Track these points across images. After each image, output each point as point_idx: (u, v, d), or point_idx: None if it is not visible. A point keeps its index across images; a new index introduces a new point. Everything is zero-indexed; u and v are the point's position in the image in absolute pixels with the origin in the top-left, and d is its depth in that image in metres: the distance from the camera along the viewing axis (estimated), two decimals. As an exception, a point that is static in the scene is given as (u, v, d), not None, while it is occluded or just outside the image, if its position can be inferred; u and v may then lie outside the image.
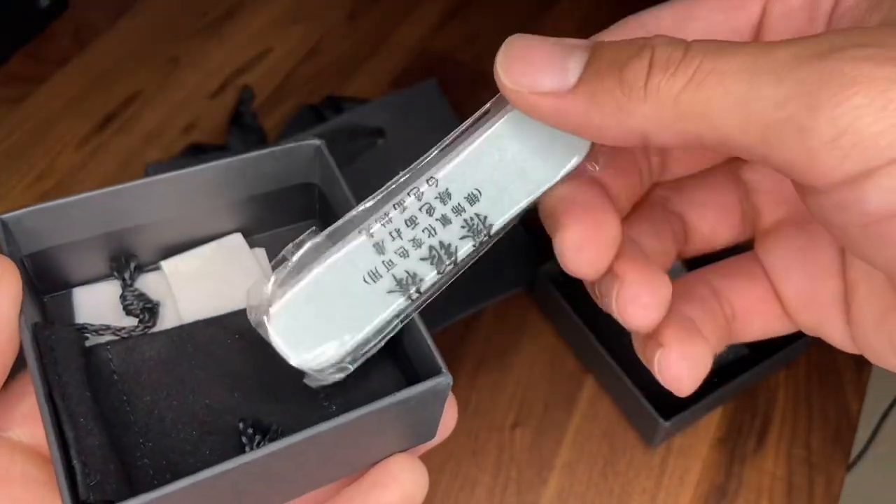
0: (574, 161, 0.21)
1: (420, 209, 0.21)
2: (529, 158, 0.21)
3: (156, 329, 0.24)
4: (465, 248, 0.21)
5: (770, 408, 0.46)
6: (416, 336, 0.22)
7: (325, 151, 0.26)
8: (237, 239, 0.26)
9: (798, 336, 0.45)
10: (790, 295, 0.22)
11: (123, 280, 0.25)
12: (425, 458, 0.43)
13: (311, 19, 0.64)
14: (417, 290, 0.21)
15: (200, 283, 0.25)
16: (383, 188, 0.22)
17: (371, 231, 0.21)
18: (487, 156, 0.22)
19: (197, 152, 0.54)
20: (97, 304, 0.25)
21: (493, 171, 0.22)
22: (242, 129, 0.55)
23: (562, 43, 0.19)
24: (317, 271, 0.21)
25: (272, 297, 0.21)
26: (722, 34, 0.21)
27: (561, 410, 0.45)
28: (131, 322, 0.24)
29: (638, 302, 0.20)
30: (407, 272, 0.21)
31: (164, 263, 0.25)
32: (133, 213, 0.24)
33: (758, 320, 0.23)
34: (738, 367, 0.45)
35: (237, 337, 0.24)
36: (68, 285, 0.25)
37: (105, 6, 0.64)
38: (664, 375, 0.21)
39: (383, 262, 0.21)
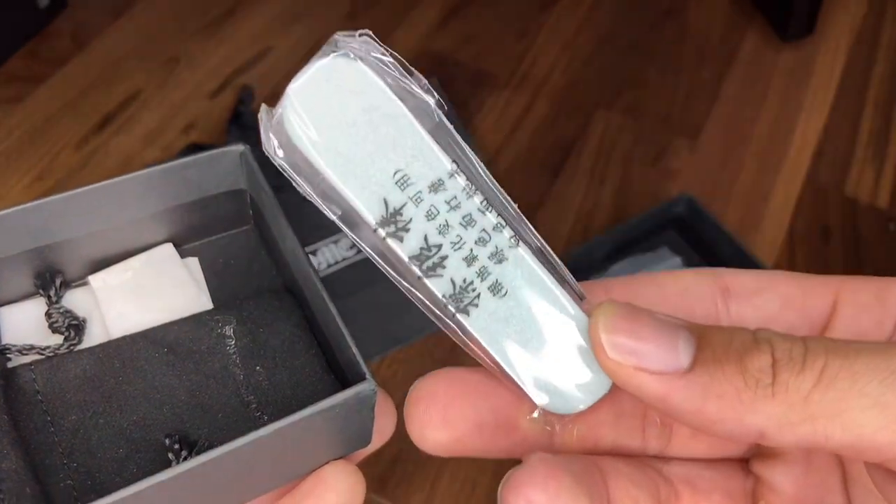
0: (572, 406, 0.19)
1: (484, 229, 0.19)
2: (552, 362, 0.19)
3: (83, 346, 0.24)
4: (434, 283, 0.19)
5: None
6: (342, 344, 0.22)
7: (249, 157, 0.25)
8: (168, 249, 0.26)
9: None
10: None
11: (48, 297, 0.24)
12: (425, 459, 0.43)
13: (310, 19, 0.64)
14: (395, 227, 0.19)
15: (130, 296, 0.25)
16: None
17: (450, 170, 0.19)
18: (547, 313, 0.19)
19: (196, 152, 0.54)
20: (23, 324, 0.24)
21: (532, 321, 0.19)
22: (242, 129, 0.55)
23: (663, 318, 0.17)
24: (391, 94, 0.18)
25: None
26: (790, 324, 0.20)
27: (561, 411, 0.45)
28: (57, 340, 0.24)
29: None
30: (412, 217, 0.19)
31: (91, 278, 0.25)
32: (56, 229, 0.24)
33: None
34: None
35: (166, 350, 0.23)
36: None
37: (104, 6, 0.64)
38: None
39: (417, 192, 0.19)
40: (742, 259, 0.47)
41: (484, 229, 0.19)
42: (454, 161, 0.19)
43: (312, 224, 0.50)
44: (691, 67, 0.62)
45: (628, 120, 0.58)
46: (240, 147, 0.25)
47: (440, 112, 0.19)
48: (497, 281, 0.19)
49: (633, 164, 0.56)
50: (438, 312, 0.19)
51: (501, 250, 0.19)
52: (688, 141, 0.57)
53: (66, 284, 0.25)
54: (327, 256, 0.49)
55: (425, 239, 0.19)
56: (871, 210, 0.54)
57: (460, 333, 0.19)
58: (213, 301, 0.25)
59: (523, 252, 0.19)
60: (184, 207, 0.26)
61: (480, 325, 0.19)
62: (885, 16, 0.66)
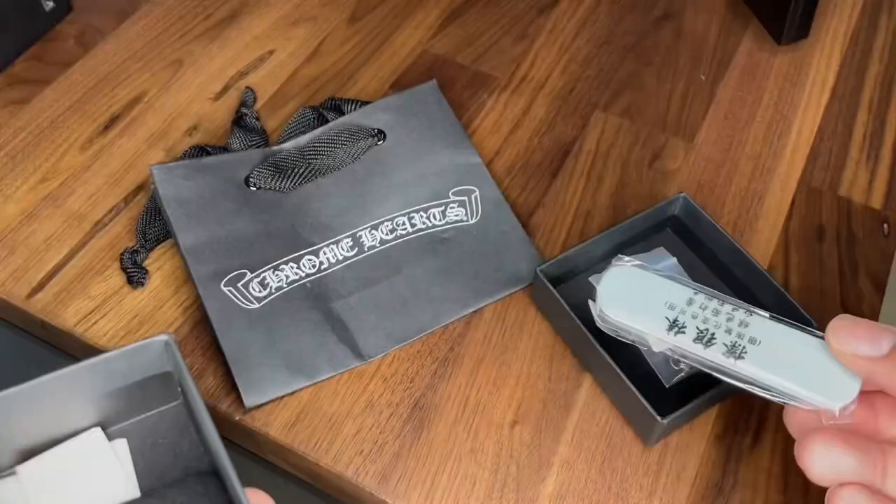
0: (834, 405, 0.31)
1: (728, 317, 0.35)
2: (813, 374, 0.32)
3: None
4: (713, 354, 0.34)
5: (766, 406, 0.46)
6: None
7: (174, 346, 0.25)
8: (96, 435, 0.26)
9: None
10: None
11: None
12: (426, 456, 0.44)
13: (312, 22, 0.65)
14: (677, 329, 0.35)
15: (58, 486, 0.25)
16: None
17: (695, 292, 0.37)
18: (794, 343, 0.34)
19: (200, 153, 0.54)
20: None
21: (787, 351, 0.33)
22: (245, 131, 0.56)
23: (877, 325, 0.30)
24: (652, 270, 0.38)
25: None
26: None
27: (559, 408, 0.46)
28: None
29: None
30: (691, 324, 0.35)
31: (19, 468, 0.25)
32: None
33: None
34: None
35: None
36: None
37: (109, 9, 0.64)
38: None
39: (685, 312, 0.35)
40: (737, 258, 0.48)
41: (728, 314, 0.35)
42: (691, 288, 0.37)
43: (312, 224, 0.51)
44: (687, 70, 0.63)
45: (626, 121, 0.59)
46: (164, 337, 0.26)
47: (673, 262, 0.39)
48: (751, 336, 0.34)
49: (630, 164, 0.57)
50: (726, 366, 0.34)
51: (743, 320, 0.35)
52: (684, 142, 0.58)
53: None
54: (328, 256, 0.50)
55: (697, 329, 0.35)
56: (866, 210, 0.55)
57: (744, 380, 0.35)
58: (141, 483, 0.26)
59: (758, 317, 0.35)
60: (113, 394, 0.26)
61: (754, 366, 0.33)
62: (878, 20, 0.67)
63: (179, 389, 0.27)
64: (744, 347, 0.33)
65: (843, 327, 0.30)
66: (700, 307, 0.35)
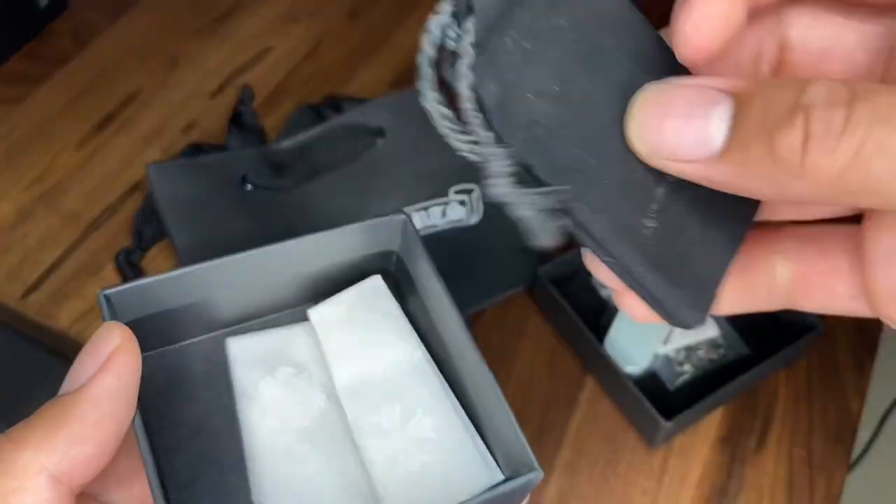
0: None
1: None
2: None
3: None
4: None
5: (771, 408, 0.46)
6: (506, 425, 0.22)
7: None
8: (377, 281, 0.27)
9: (798, 336, 0.45)
10: (886, 285, 0.19)
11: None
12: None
13: (311, 19, 0.64)
14: None
15: (347, 330, 0.26)
16: None
17: None
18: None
19: (197, 152, 0.54)
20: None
21: None
22: (242, 129, 0.55)
23: (702, 93, 0.17)
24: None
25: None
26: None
27: (561, 411, 0.45)
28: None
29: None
30: None
31: (310, 312, 0.26)
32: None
33: (819, 294, 0.20)
34: (738, 367, 0.45)
35: None
36: (171, 341, 0.26)
37: (104, 6, 0.64)
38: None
39: None
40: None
41: None
42: None
43: (311, 224, 0.50)
44: (691, 67, 0.62)
45: (628, 120, 0.59)
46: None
47: None
48: None
49: (633, 163, 0.56)
50: None
51: None
52: (687, 141, 0.58)
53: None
54: (327, 256, 0.49)
55: None
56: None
57: None
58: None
59: None
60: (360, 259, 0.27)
61: None
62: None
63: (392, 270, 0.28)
64: None
65: (650, 116, 0.17)
66: None
